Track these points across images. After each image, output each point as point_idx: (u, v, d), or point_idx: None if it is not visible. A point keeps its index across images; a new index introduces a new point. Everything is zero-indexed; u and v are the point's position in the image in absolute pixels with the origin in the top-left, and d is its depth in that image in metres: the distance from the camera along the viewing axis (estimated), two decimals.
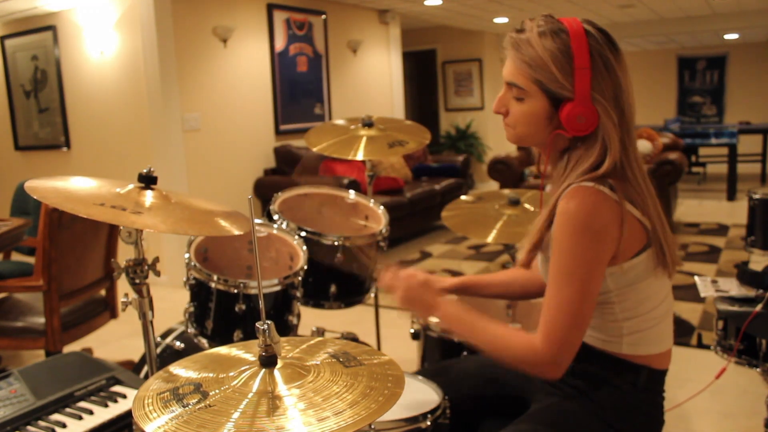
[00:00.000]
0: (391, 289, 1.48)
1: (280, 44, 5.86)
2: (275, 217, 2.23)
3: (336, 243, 2.23)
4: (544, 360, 1.21)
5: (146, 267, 1.44)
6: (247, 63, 5.57)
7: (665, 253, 1.25)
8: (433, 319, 1.42)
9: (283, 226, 2.17)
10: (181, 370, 0.99)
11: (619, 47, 1.25)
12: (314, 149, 2.33)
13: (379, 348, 2.63)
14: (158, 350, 2.28)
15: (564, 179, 1.26)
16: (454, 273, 5.11)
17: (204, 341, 1.96)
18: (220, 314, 1.93)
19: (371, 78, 7.27)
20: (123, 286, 1.58)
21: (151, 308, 1.47)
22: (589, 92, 1.19)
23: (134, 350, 3.34)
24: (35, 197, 1.29)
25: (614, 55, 1.22)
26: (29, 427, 1.52)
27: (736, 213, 7.16)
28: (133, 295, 1.45)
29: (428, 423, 1.39)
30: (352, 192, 2.54)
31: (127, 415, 1.60)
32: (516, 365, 1.27)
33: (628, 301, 1.27)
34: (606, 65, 1.21)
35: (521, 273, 1.64)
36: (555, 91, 1.22)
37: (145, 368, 2.22)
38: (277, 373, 0.91)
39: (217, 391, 0.89)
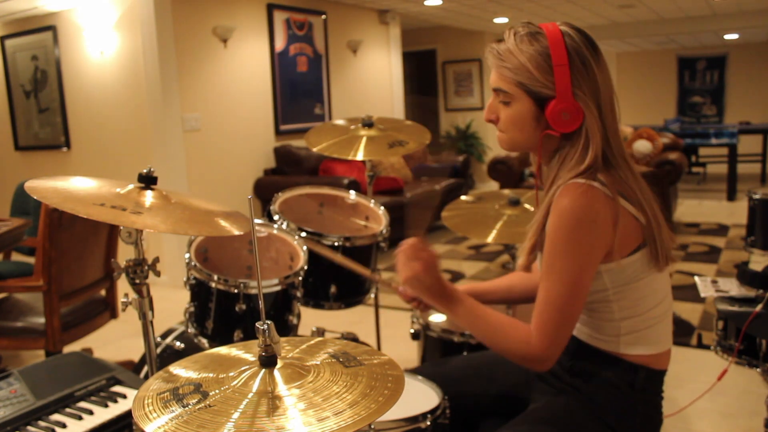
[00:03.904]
0: (408, 261, 1.35)
1: (280, 44, 5.86)
2: (275, 217, 2.23)
3: (336, 243, 2.23)
4: (535, 355, 1.24)
5: (146, 267, 1.44)
6: (247, 63, 5.57)
7: (658, 248, 1.25)
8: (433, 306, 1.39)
9: (283, 226, 2.17)
10: (181, 370, 0.99)
11: (597, 45, 1.27)
12: (314, 149, 2.33)
13: (379, 348, 2.62)
14: (158, 350, 2.29)
15: (555, 179, 1.27)
16: (454, 273, 5.11)
17: (204, 341, 1.96)
18: (220, 314, 1.93)
19: (371, 78, 7.26)
20: (123, 286, 1.57)
21: (151, 308, 1.47)
22: (570, 88, 1.22)
23: (134, 350, 3.34)
24: (35, 197, 1.29)
25: (591, 52, 1.24)
26: (29, 427, 1.52)
27: (736, 213, 7.16)
28: (133, 295, 1.45)
29: (428, 423, 1.39)
30: (352, 192, 2.54)
31: (127, 415, 1.60)
32: (509, 354, 1.28)
33: (626, 299, 1.27)
34: (584, 62, 1.23)
35: (520, 277, 1.65)
36: (537, 91, 1.24)
37: (145, 368, 2.22)
38: (277, 373, 0.91)
39: (217, 391, 0.89)
